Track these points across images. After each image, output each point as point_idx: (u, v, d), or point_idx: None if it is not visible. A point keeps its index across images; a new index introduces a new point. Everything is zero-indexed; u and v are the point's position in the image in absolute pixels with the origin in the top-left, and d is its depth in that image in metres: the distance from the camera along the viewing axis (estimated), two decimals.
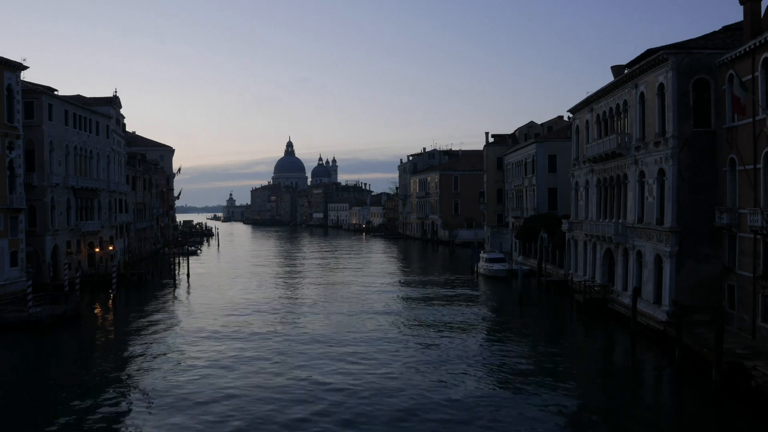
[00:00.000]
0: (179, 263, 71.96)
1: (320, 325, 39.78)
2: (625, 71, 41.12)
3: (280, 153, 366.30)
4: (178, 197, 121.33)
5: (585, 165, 48.68)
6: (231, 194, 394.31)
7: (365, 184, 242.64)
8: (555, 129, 74.64)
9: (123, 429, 22.06)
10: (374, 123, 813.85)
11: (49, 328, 38.50)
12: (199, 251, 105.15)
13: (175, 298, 52.97)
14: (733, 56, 30.90)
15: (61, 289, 47.64)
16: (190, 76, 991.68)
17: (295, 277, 67.56)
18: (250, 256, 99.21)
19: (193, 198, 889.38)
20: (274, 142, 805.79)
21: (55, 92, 56.43)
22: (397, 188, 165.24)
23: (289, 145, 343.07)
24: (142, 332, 38.43)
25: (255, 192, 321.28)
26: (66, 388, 26.96)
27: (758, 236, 28.75)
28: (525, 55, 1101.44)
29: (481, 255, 67.26)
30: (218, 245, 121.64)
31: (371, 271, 72.38)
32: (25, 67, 48.83)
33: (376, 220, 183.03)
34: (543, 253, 59.83)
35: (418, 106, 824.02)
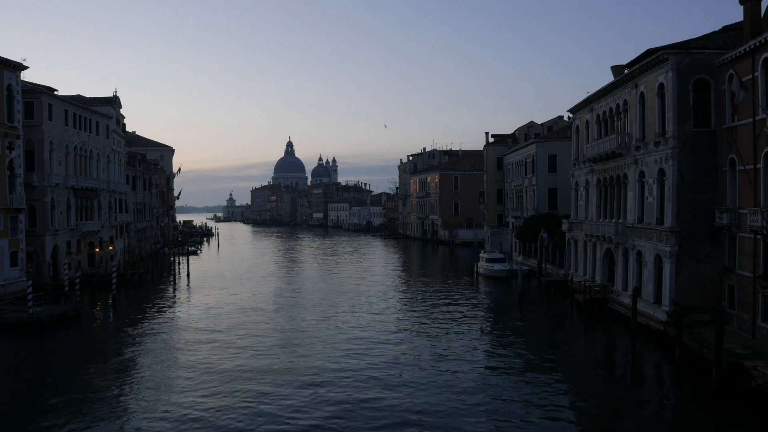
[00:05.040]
0: (179, 263, 71.96)
1: (320, 323, 39.78)
2: (625, 71, 41.13)
3: (280, 153, 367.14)
4: (178, 197, 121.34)
5: (585, 165, 48.69)
6: (231, 194, 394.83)
7: (365, 184, 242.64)
8: (555, 129, 74.65)
9: (122, 429, 22.05)
10: (374, 123, 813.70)
11: (49, 328, 38.51)
12: (199, 251, 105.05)
13: (175, 298, 52.97)
14: (733, 56, 30.91)
15: (61, 289, 47.62)
16: (191, 76, 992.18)
17: (295, 275, 67.55)
18: (251, 254, 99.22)
19: (193, 198, 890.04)
20: (274, 143, 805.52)
21: (55, 92, 56.44)
22: (397, 188, 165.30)
23: (289, 145, 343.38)
24: (142, 332, 38.44)
25: (255, 192, 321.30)
26: (66, 389, 26.94)
27: (758, 236, 28.75)
28: (525, 55, 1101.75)
29: (481, 255, 67.24)
30: (218, 245, 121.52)
31: (371, 271, 72.36)
32: (25, 67, 48.85)
33: (376, 220, 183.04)
34: (543, 253, 59.81)
35: (418, 106, 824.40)
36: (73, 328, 39.73)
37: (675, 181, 33.57)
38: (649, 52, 36.20)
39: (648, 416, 23.66)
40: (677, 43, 34.70)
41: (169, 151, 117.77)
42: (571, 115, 54.92)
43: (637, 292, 36.37)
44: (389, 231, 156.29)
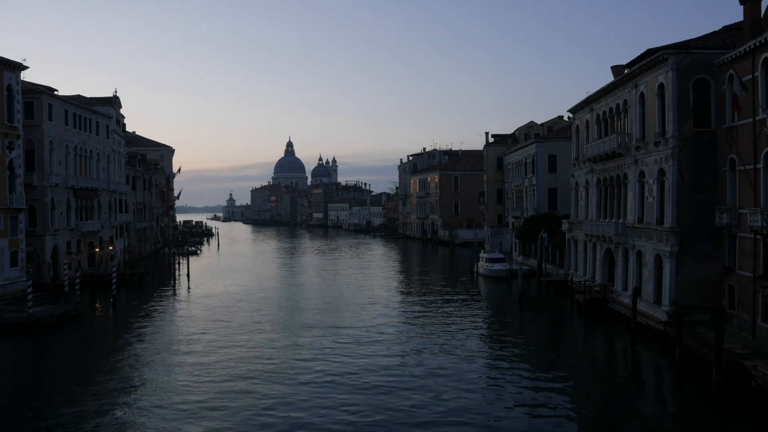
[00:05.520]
0: (179, 263, 71.97)
1: (320, 323, 39.78)
2: (625, 71, 41.14)
3: (280, 153, 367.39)
4: (178, 197, 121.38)
5: (585, 165, 48.70)
6: (231, 194, 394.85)
7: (365, 184, 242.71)
8: (555, 129, 74.67)
9: (122, 429, 22.04)
10: (374, 123, 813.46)
11: (49, 328, 38.51)
12: (199, 251, 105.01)
13: (175, 298, 52.97)
14: (733, 56, 30.91)
15: (61, 289, 47.64)
16: (191, 76, 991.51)
17: (296, 275, 67.56)
18: (251, 255, 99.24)
19: (193, 198, 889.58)
20: (274, 143, 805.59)
21: (55, 92, 56.46)
22: (397, 188, 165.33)
23: (289, 145, 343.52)
24: (142, 332, 38.44)
25: (255, 192, 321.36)
26: (66, 389, 26.94)
27: (758, 236, 28.76)
28: (525, 55, 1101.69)
29: (480, 255, 67.27)
30: (218, 245, 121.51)
31: (371, 271, 72.39)
32: (25, 67, 48.87)
33: (376, 220, 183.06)
34: (543, 253, 59.83)
35: (418, 106, 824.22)
36: (73, 328, 39.73)
37: (675, 181, 33.58)
38: (649, 52, 36.20)
39: (648, 416, 23.65)
40: (677, 43, 34.70)
41: (169, 151, 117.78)
42: (571, 115, 54.93)
43: (637, 292, 36.38)
44: (389, 231, 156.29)
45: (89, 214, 63.16)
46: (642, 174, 37.76)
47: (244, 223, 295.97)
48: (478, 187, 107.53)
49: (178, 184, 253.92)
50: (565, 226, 53.51)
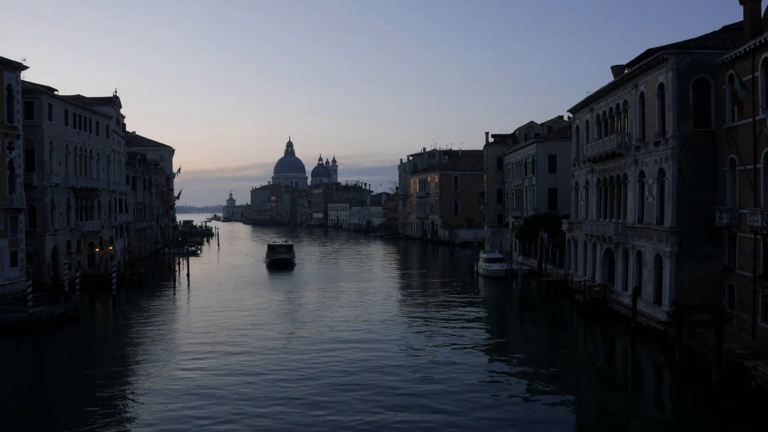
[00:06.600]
0: (179, 263, 72.01)
1: (319, 323, 39.80)
2: (625, 71, 41.15)
3: (280, 153, 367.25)
4: (178, 197, 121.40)
5: (585, 165, 48.70)
6: (231, 194, 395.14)
7: (365, 184, 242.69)
8: (555, 129, 74.68)
9: (122, 429, 22.05)
10: (374, 123, 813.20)
11: (49, 328, 38.52)
12: (199, 251, 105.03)
13: (174, 298, 52.99)
14: (733, 56, 30.92)
15: (61, 289, 47.64)
16: (191, 76, 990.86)
17: (295, 275, 67.56)
18: (251, 255, 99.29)
19: (193, 198, 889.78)
20: (274, 143, 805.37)
21: (55, 92, 56.46)
22: (397, 188, 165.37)
23: (289, 145, 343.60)
24: (142, 332, 38.46)
25: (255, 192, 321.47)
26: (66, 389, 26.97)
27: (758, 236, 28.77)
28: (525, 55, 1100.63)
29: (480, 255, 67.30)
30: (218, 245, 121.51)
31: (370, 272, 72.38)
32: (25, 67, 48.87)
33: (377, 220, 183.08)
34: (543, 253, 59.83)
35: (418, 106, 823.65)
36: (73, 328, 39.73)
37: (675, 181, 33.58)
38: (649, 52, 36.21)
39: (648, 416, 23.67)
40: (677, 43, 34.71)
41: (169, 151, 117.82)
42: (571, 115, 54.94)
43: (637, 292, 36.37)
44: (389, 231, 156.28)
45: (89, 214, 63.17)
46: (642, 174, 37.77)
47: (244, 223, 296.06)
48: (478, 187, 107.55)
49: (178, 184, 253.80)
50: (565, 226, 53.52)
